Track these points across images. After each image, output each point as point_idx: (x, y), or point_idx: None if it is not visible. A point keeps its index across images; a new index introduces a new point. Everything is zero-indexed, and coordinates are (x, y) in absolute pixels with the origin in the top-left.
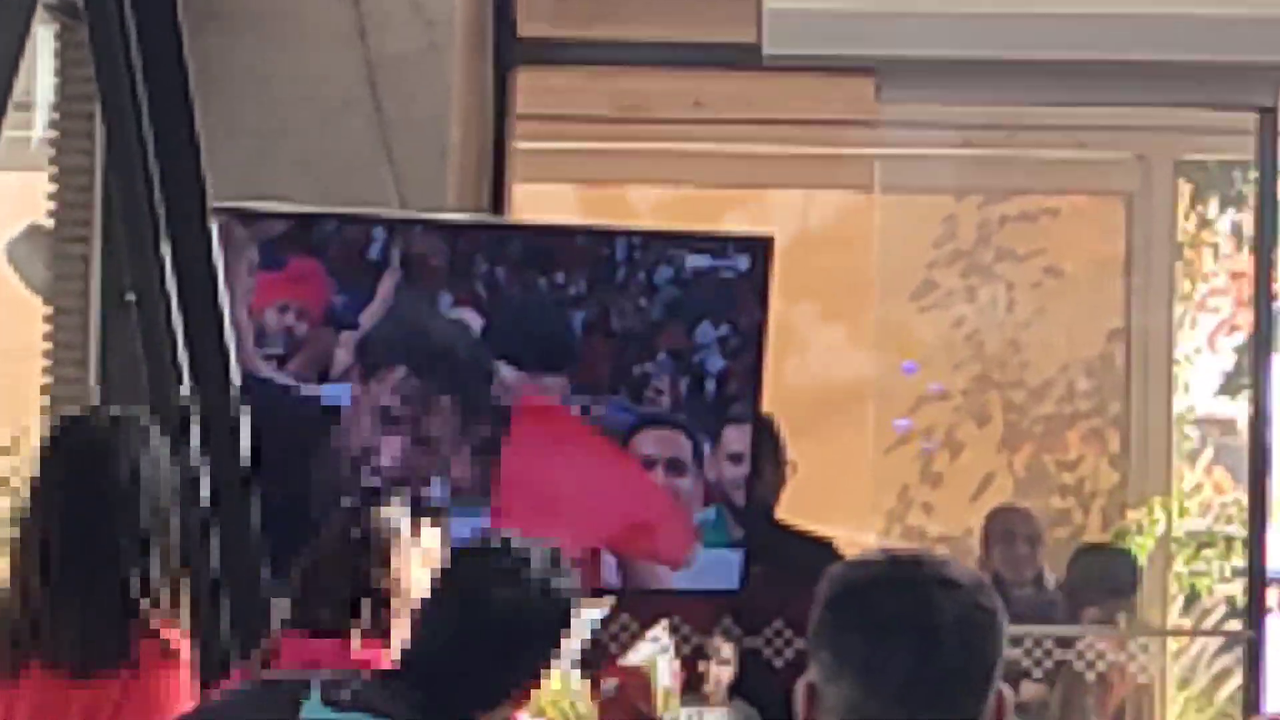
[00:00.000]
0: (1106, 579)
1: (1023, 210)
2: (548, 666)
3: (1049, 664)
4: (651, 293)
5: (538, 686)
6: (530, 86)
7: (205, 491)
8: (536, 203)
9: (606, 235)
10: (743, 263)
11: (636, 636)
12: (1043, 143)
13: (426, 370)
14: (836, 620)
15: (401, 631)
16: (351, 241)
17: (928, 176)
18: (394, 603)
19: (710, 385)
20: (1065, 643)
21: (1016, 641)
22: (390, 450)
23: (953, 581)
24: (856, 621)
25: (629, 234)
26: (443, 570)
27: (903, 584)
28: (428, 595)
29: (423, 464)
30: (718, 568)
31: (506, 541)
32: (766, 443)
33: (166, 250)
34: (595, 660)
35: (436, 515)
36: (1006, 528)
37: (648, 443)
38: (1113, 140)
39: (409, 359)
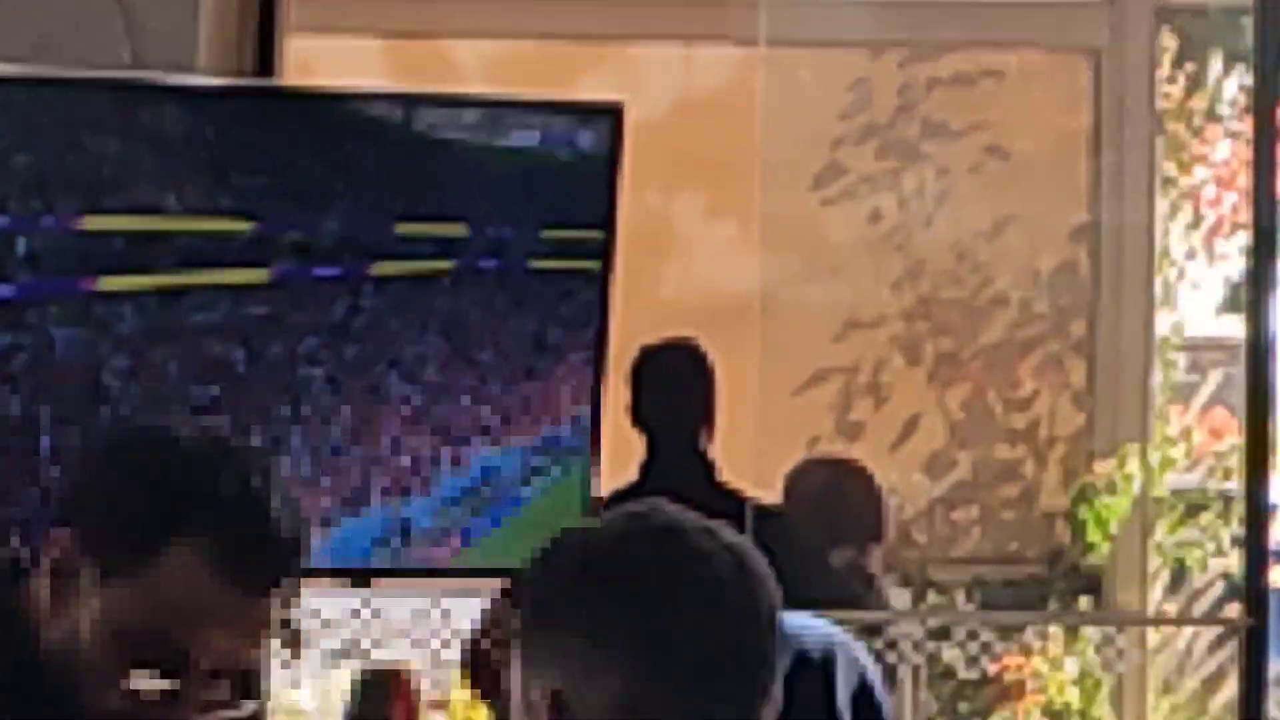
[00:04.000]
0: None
1: (957, 71)
2: None
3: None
4: (461, 181)
5: None
6: None
7: None
8: (323, 62)
9: (401, 102)
10: (585, 140)
11: None
12: None
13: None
14: (588, 597)
15: None
16: (65, 112)
17: (829, 26)
18: None
19: (536, 309)
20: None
21: (891, 643)
22: None
23: (706, 529)
24: (622, 593)
25: (431, 101)
26: None
27: (664, 536)
28: None
29: None
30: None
31: None
32: (686, 369)
33: None
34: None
35: None
36: (811, 490)
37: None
38: None
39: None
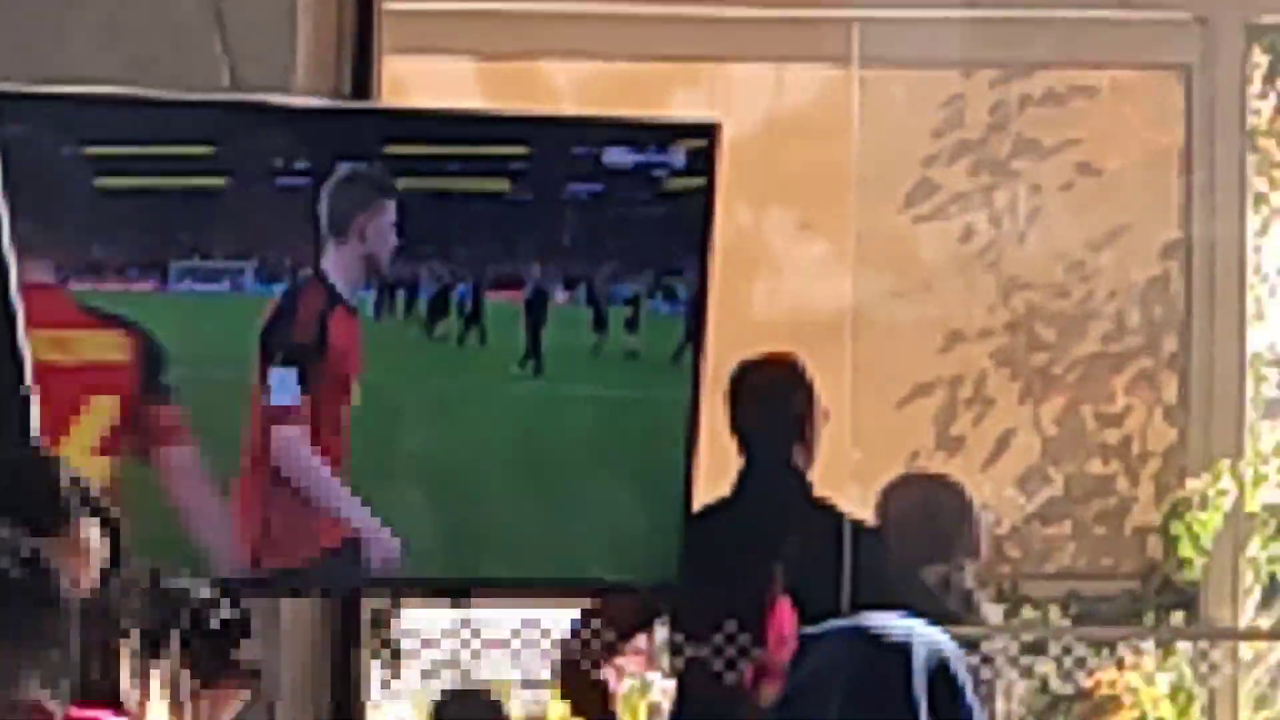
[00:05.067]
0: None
1: (1049, 89)
2: None
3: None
4: (559, 201)
5: None
6: None
7: None
8: (419, 81)
9: (498, 124)
10: (678, 158)
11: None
12: (1075, 0)
13: None
14: None
15: None
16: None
17: (922, 45)
18: None
19: (633, 325)
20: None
21: (985, 658)
22: None
23: None
24: None
25: (527, 121)
26: None
27: None
28: None
29: None
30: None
31: None
32: (782, 384)
33: None
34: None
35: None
36: (906, 506)
37: None
38: None
39: None
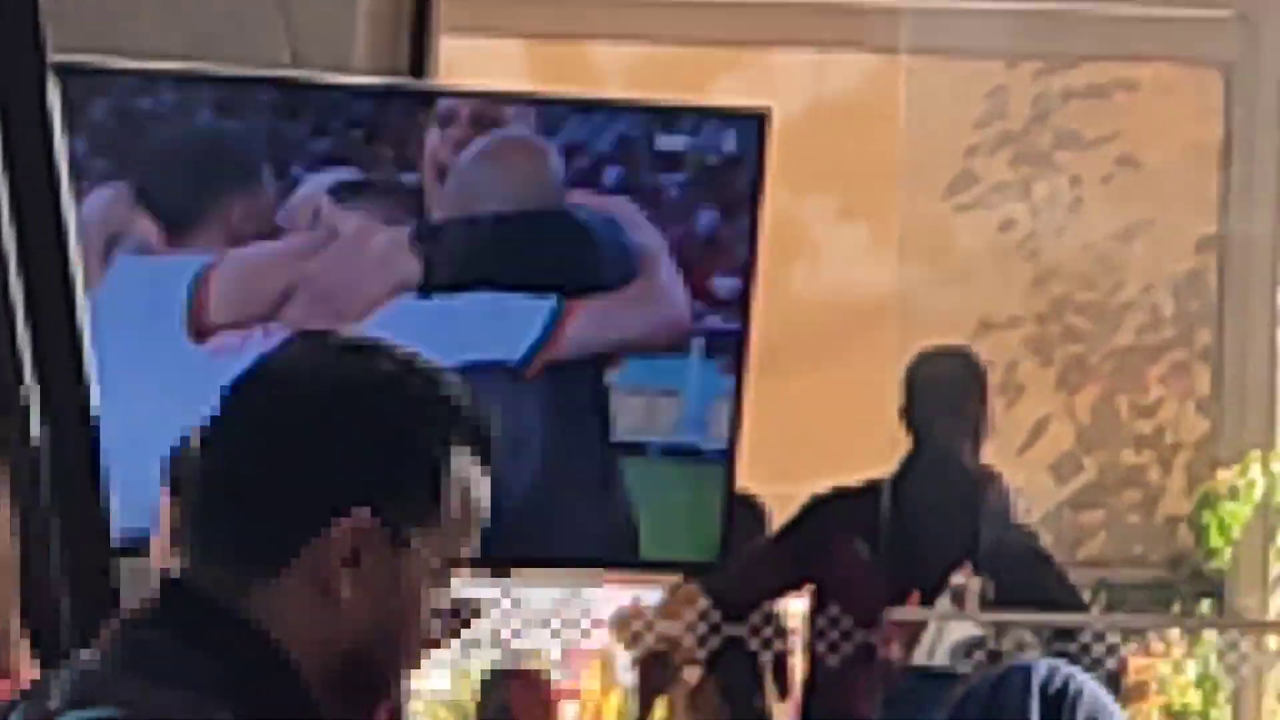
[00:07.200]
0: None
1: (1091, 82)
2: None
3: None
4: (607, 184)
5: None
6: None
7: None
8: (471, 61)
9: (548, 105)
10: (729, 143)
11: None
12: None
13: None
14: None
15: None
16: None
17: (968, 35)
18: None
19: None
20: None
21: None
22: None
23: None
24: None
25: (577, 105)
26: None
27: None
28: None
29: None
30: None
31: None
32: (960, 381)
33: None
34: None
35: None
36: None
37: None
38: None
39: None
